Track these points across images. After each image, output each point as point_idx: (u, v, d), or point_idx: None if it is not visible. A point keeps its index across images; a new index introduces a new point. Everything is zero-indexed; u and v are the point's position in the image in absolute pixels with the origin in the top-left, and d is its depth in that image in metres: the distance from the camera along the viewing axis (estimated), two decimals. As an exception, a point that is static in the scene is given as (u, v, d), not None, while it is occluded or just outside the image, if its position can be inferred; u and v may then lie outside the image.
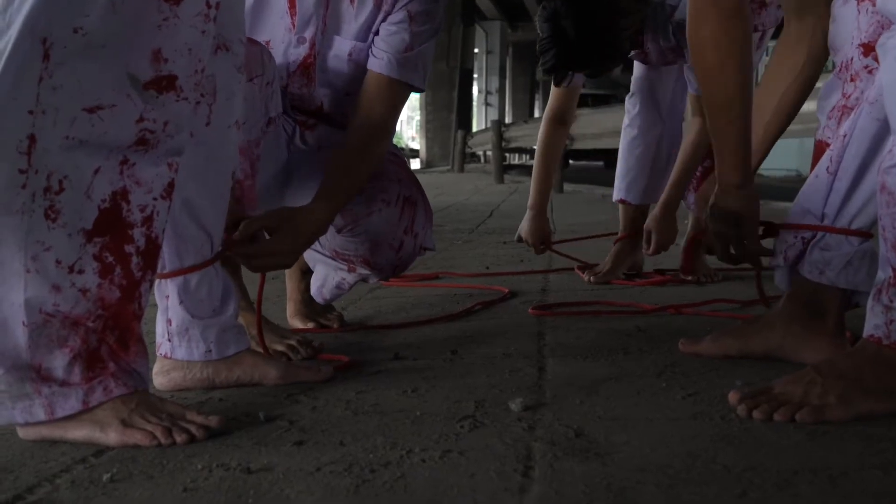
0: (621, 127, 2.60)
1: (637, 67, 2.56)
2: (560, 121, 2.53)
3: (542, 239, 2.52)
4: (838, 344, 1.39)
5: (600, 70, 2.22)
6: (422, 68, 1.63)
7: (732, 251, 1.49)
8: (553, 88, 2.50)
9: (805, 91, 1.55)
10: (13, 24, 0.99)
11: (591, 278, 2.48)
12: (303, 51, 1.62)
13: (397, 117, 1.68)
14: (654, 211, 2.36)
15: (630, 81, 2.57)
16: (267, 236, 1.47)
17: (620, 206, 2.58)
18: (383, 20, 1.60)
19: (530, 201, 2.54)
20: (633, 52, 2.34)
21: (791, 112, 1.57)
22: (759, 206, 1.48)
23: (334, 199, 1.54)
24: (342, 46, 1.62)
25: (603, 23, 2.07)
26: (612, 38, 2.10)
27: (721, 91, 1.42)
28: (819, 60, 1.52)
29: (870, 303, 1.19)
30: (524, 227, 2.53)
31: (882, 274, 1.17)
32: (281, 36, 1.62)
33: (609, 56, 2.15)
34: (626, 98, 2.59)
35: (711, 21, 1.38)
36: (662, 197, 2.36)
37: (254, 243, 1.43)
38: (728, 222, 1.46)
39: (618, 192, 2.57)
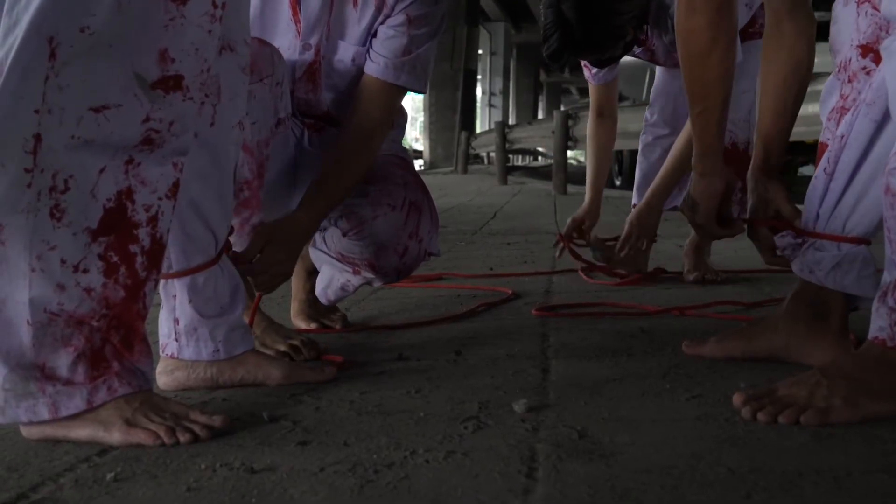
0: (630, 128, 2.66)
1: (656, 78, 2.64)
2: (600, 114, 2.61)
3: (574, 229, 2.56)
4: (842, 345, 1.39)
5: (602, 56, 2.23)
6: (421, 71, 1.62)
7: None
8: (591, 85, 2.58)
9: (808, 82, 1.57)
10: (19, 23, 1.00)
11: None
12: (308, 57, 1.63)
13: (392, 119, 1.69)
14: (639, 208, 2.43)
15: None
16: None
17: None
18: (382, 22, 1.60)
19: (586, 194, 2.63)
20: (639, 50, 2.36)
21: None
22: (720, 196, 1.52)
23: (323, 201, 1.56)
24: (346, 51, 1.62)
25: (602, 7, 2.10)
26: (611, 23, 2.13)
27: (700, 81, 1.46)
28: (814, 54, 1.54)
29: (875, 304, 1.18)
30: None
31: (888, 276, 1.17)
32: (287, 43, 1.62)
33: (609, 42, 2.17)
34: (647, 108, 2.67)
35: (700, 11, 1.41)
36: (644, 198, 2.43)
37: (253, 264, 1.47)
38: (687, 205, 1.55)
39: (633, 197, 2.66)
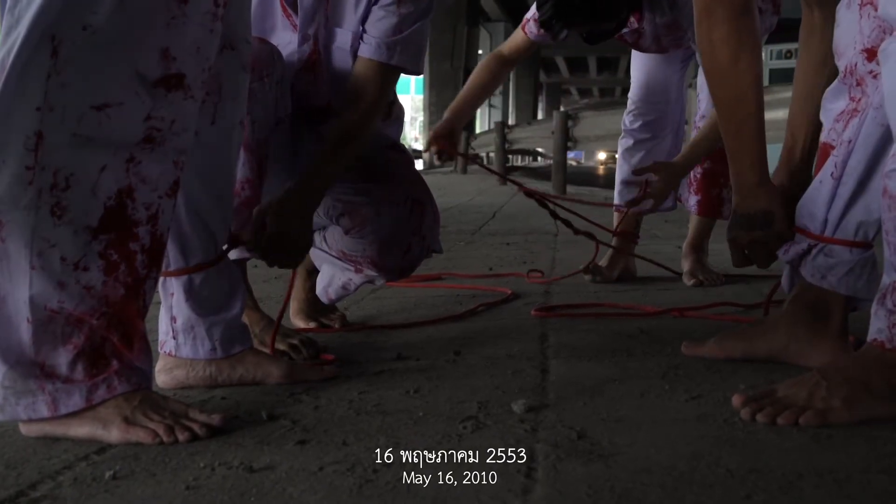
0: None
1: (634, 83, 2.62)
2: (506, 62, 2.50)
3: (442, 137, 2.31)
4: (842, 347, 1.39)
5: (594, 27, 2.19)
6: (415, 50, 1.61)
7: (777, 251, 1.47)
8: (521, 35, 2.46)
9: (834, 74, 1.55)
10: (22, 21, 1.00)
11: (586, 274, 2.54)
12: (307, 48, 1.62)
13: (388, 98, 1.68)
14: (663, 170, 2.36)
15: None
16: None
17: (615, 212, 2.65)
18: (374, 3, 1.60)
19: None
20: (626, 31, 2.32)
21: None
22: (785, 194, 1.46)
23: (323, 178, 1.55)
24: (344, 38, 1.62)
25: None
26: None
27: (733, 89, 1.42)
28: None
29: (874, 307, 1.19)
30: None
31: (887, 279, 1.17)
32: (287, 39, 1.62)
33: (605, 13, 2.12)
34: (624, 114, 2.63)
35: (722, 21, 1.39)
36: (674, 160, 2.38)
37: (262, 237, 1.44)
38: (757, 223, 1.44)
39: (615, 199, 2.65)
